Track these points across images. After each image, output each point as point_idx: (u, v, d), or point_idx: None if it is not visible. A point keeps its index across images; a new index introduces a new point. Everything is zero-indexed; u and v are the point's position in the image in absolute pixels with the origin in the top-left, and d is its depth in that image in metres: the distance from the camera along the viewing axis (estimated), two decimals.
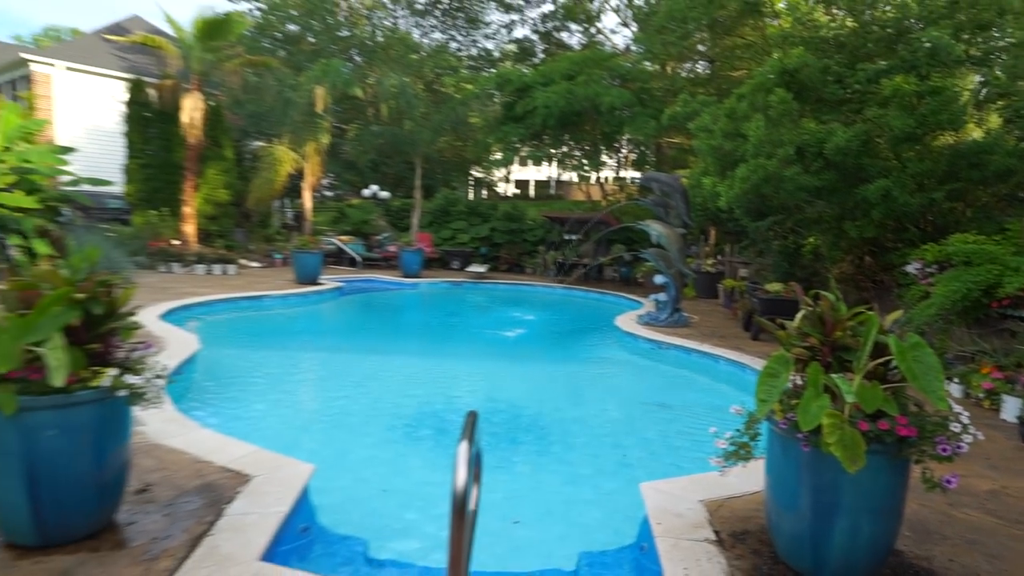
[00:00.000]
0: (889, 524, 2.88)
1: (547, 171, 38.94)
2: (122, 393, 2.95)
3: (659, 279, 10.68)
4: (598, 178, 22.78)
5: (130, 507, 3.37)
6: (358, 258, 17.91)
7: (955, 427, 2.74)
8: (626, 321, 10.68)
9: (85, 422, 2.91)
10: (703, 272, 15.19)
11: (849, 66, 9.61)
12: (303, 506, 3.69)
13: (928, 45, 8.65)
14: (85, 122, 21.78)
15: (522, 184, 43.31)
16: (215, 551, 2.97)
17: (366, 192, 20.87)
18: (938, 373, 2.63)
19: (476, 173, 30.54)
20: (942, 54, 8.47)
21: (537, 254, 19.23)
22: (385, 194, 21.12)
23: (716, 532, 3.39)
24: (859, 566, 2.89)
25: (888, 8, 10.00)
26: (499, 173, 30.81)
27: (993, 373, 6.18)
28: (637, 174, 22.92)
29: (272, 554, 3.08)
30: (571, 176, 25.40)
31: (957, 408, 2.82)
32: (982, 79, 10.22)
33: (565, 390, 7.78)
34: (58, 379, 2.68)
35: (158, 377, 3.13)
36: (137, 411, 3.49)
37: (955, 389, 6.70)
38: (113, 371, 2.93)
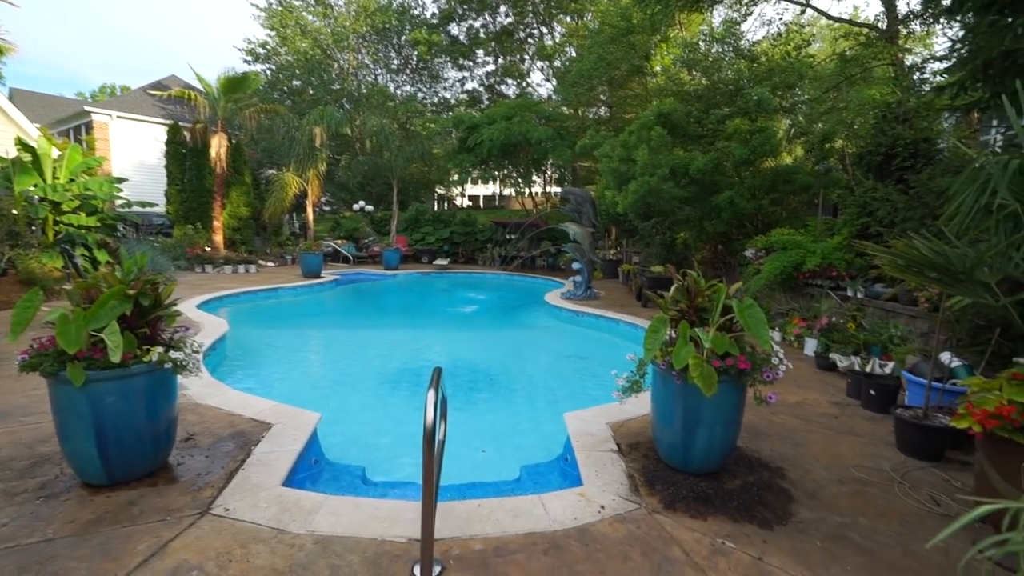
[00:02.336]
0: (733, 430, 3.03)
1: (493, 187, 38.76)
2: (167, 365, 2.82)
3: (576, 266, 10.79)
4: (530, 192, 22.78)
5: (179, 452, 3.24)
6: (350, 257, 17.45)
7: (775, 360, 2.90)
8: (552, 297, 10.74)
9: (140, 388, 2.78)
10: (607, 260, 15.42)
11: (705, 112, 9.88)
12: (313, 445, 3.62)
13: (755, 98, 8.99)
14: (134, 158, 20.41)
15: (474, 198, 42.83)
16: (247, 481, 2.89)
17: (356, 207, 20.30)
18: (764, 324, 2.77)
19: (439, 190, 30.06)
20: (764, 104, 8.83)
21: (486, 250, 19.12)
22: (370, 208, 20.59)
23: (618, 444, 3.49)
24: (713, 460, 3.04)
25: (729, 72, 10.32)
26: (456, 190, 30.47)
27: (799, 323, 6.50)
28: (559, 189, 23.00)
29: (291, 481, 3.03)
30: (511, 191, 25.29)
31: (776, 348, 2.98)
32: (791, 123, 10.73)
33: (509, 349, 7.75)
34: (115, 357, 2.55)
35: (195, 352, 3.00)
36: (181, 378, 3.35)
37: (776, 335, 7.03)
38: (159, 349, 2.80)
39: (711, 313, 2.91)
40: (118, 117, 20.30)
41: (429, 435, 1.82)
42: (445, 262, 17.41)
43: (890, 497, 2.92)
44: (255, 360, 6.51)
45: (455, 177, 21.49)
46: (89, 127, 20.00)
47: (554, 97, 23.20)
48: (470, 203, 39.47)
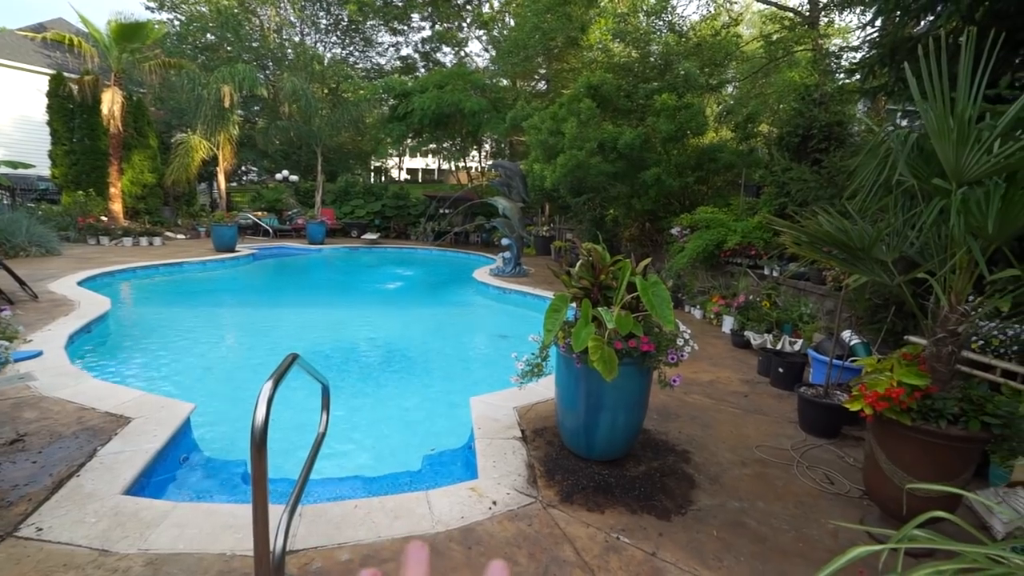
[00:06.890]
0: (638, 414, 2.89)
1: (432, 161, 37.62)
2: None
3: (505, 241, 10.54)
4: (466, 166, 22.16)
5: None
6: (271, 229, 16.31)
7: (680, 342, 2.76)
8: (481, 274, 10.43)
9: None
10: (540, 236, 15.24)
11: (635, 86, 9.75)
12: (184, 440, 3.18)
13: (683, 73, 8.93)
14: (14, 113, 17.87)
15: (413, 171, 41.48)
16: (78, 490, 2.42)
17: (279, 176, 18.96)
18: (668, 303, 2.61)
19: (375, 162, 28.68)
20: (691, 80, 8.78)
21: (419, 224, 18.49)
22: (295, 178, 19.33)
23: (522, 431, 3.29)
24: (617, 446, 2.90)
25: (656, 46, 10.21)
26: (392, 162, 29.15)
27: (719, 301, 6.59)
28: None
29: (142, 486, 2.58)
30: (451, 165, 24.46)
31: (683, 328, 2.85)
32: (720, 105, 10.85)
33: (430, 328, 7.37)
34: None
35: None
36: (27, 368, 2.80)
37: (697, 313, 7.13)
38: None
39: (616, 291, 2.72)
40: None
41: (258, 437, 1.49)
42: (374, 236, 16.67)
43: (788, 478, 2.91)
44: (141, 344, 5.77)
45: (389, 148, 20.48)
46: None
47: (491, 67, 22.50)
48: (408, 177, 38.25)
